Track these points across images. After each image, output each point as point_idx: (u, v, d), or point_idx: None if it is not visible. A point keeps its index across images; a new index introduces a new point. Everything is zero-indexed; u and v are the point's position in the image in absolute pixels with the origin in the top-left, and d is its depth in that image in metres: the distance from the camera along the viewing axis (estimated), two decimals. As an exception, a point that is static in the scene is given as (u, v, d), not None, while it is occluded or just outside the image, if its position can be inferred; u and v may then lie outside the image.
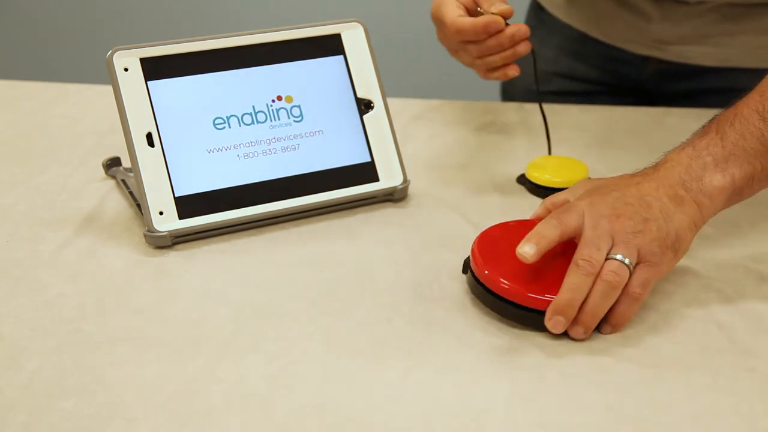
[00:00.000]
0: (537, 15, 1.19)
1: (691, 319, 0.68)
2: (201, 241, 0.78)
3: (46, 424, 0.57)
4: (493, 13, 0.85)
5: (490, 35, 0.86)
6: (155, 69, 0.78)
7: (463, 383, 0.61)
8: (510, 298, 0.66)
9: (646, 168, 0.72)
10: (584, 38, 1.14)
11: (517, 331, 0.66)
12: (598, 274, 0.65)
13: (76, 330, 0.66)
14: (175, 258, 0.76)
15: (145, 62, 0.77)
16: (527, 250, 0.65)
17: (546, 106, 1.07)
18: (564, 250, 0.67)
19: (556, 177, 0.86)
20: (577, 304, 0.64)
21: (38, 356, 0.63)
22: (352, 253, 0.77)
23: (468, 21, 0.86)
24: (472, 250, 0.70)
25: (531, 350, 0.64)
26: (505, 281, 0.66)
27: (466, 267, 0.71)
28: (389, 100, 0.85)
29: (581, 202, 0.68)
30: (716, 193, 0.69)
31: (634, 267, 0.66)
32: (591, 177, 0.86)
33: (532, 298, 0.65)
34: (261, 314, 0.68)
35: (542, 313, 0.65)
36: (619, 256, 0.65)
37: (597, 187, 0.71)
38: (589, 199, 0.69)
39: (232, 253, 0.77)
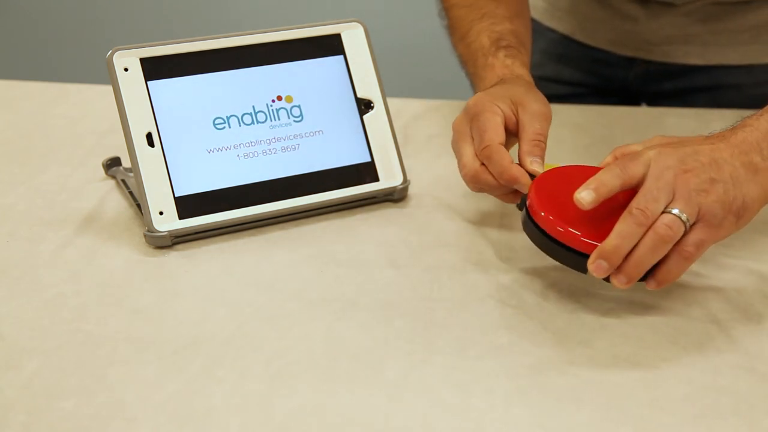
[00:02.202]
0: None
1: (691, 319, 0.68)
2: (201, 241, 0.78)
3: (46, 424, 0.57)
4: (527, 169, 0.73)
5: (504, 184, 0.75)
6: (155, 69, 0.78)
7: (463, 383, 0.61)
8: (560, 239, 0.65)
9: (722, 130, 0.70)
10: (568, 42, 1.14)
11: (517, 331, 0.66)
12: (651, 227, 0.63)
13: (76, 330, 0.66)
14: (175, 258, 0.76)
15: (145, 62, 0.77)
16: (584, 196, 0.63)
17: (557, 105, 1.08)
18: (628, 201, 0.65)
19: None
20: (624, 251, 0.63)
21: (38, 356, 0.63)
22: (352, 253, 0.77)
23: (499, 166, 0.73)
24: (531, 187, 0.69)
25: (531, 350, 0.64)
26: (558, 223, 0.65)
27: (523, 203, 0.70)
28: (389, 100, 0.85)
29: (649, 152, 0.66)
30: None
31: (691, 226, 0.64)
32: None
33: (581, 241, 0.64)
34: (261, 314, 0.68)
35: (586, 256, 0.64)
36: (676, 211, 0.63)
37: (671, 141, 0.68)
38: (659, 149, 0.66)
39: (232, 253, 0.77)
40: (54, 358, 0.63)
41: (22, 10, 2.59)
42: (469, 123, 0.77)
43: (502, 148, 0.74)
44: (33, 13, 2.59)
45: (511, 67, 0.85)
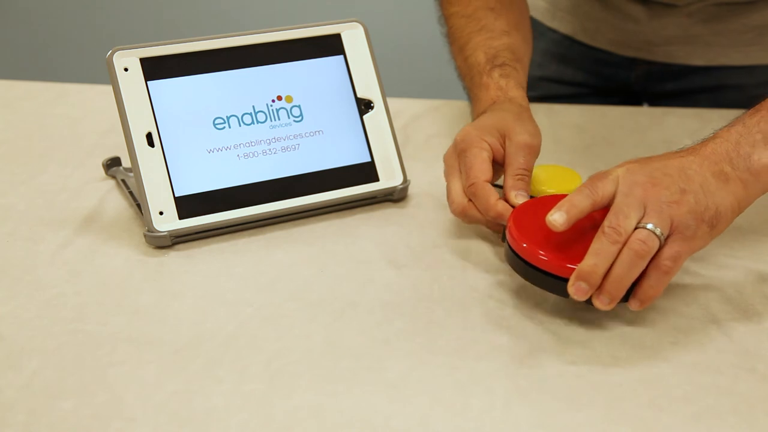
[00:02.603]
0: None
1: (691, 319, 0.68)
2: (201, 241, 0.78)
3: (46, 424, 0.57)
4: (511, 203, 0.74)
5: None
6: (155, 69, 0.78)
7: (463, 383, 0.61)
8: (541, 266, 0.65)
9: (693, 144, 0.70)
10: (570, 42, 1.14)
11: (517, 331, 0.66)
12: (625, 243, 0.62)
13: (76, 330, 0.66)
14: (175, 258, 0.76)
15: (145, 62, 0.77)
16: (556, 218, 0.63)
17: (545, 106, 1.08)
18: (600, 221, 0.65)
19: (549, 188, 0.80)
20: (602, 271, 0.62)
21: (38, 356, 0.63)
22: (352, 253, 0.77)
23: (485, 203, 0.74)
24: (509, 219, 0.70)
25: (531, 350, 0.64)
26: (537, 250, 0.65)
27: (505, 236, 0.70)
28: (389, 100, 0.85)
29: (617, 170, 0.66)
30: (762, 172, 0.67)
31: (666, 239, 0.63)
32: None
33: (562, 266, 0.64)
34: (261, 314, 0.68)
35: (567, 281, 0.64)
36: (649, 226, 0.62)
37: (639, 158, 0.68)
38: (627, 166, 0.66)
39: (232, 253, 0.77)
40: (54, 358, 0.63)
41: (22, 10, 2.59)
42: (458, 158, 0.78)
43: (488, 185, 0.74)
44: (33, 13, 2.59)
45: (505, 89, 0.85)
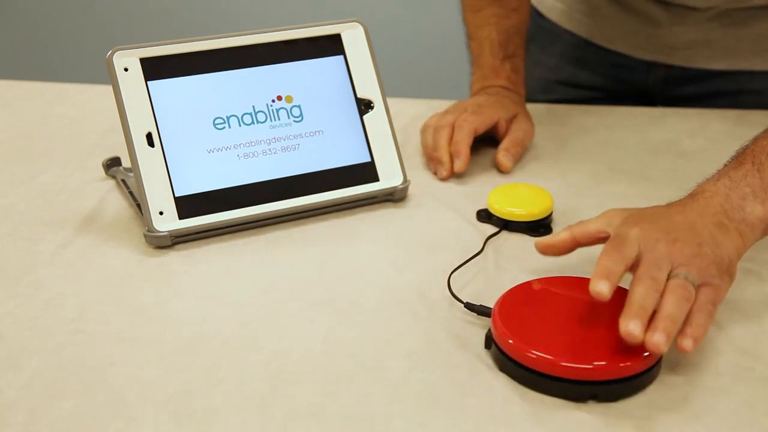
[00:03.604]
0: (536, 22, 1.18)
1: (691, 319, 0.68)
2: (201, 241, 0.78)
3: (46, 424, 0.57)
4: (498, 157, 0.92)
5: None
6: (155, 69, 0.78)
7: (463, 383, 0.61)
8: (542, 371, 0.60)
9: (680, 199, 0.70)
10: (587, 45, 1.14)
11: (517, 331, 0.66)
12: (664, 291, 0.60)
13: (76, 330, 0.66)
14: (175, 258, 0.76)
15: (145, 62, 0.77)
16: (602, 287, 0.60)
17: (547, 107, 1.08)
18: (587, 314, 0.63)
19: (519, 208, 0.80)
20: (649, 310, 0.59)
21: (38, 356, 0.63)
22: (352, 253, 0.77)
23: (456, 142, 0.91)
24: (493, 316, 0.64)
25: (531, 350, 0.64)
26: (537, 353, 0.59)
27: (489, 341, 0.64)
28: (389, 100, 0.85)
29: (632, 230, 0.64)
30: (757, 223, 0.68)
31: (697, 288, 0.62)
32: (557, 198, 0.83)
33: (569, 368, 0.59)
34: (261, 314, 0.68)
35: (576, 383, 0.59)
36: (682, 274, 0.61)
37: (641, 216, 0.67)
38: (639, 226, 0.65)
39: (232, 253, 0.77)
40: (54, 358, 0.63)
41: (22, 10, 2.59)
42: (468, 104, 0.95)
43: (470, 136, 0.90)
44: (33, 13, 2.59)
45: (514, 83, 1.01)
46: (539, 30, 1.17)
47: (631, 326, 0.58)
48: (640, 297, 0.60)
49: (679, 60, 1.08)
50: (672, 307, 0.59)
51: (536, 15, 1.18)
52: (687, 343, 0.59)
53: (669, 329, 0.58)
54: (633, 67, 1.11)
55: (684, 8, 1.03)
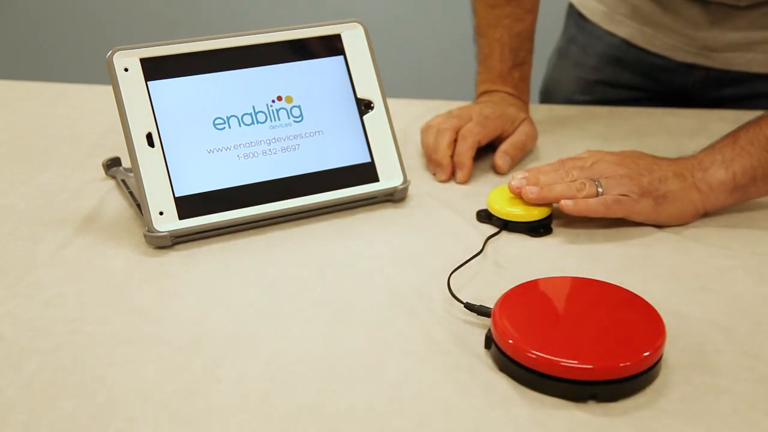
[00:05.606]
0: (577, 23, 1.19)
1: (691, 319, 0.68)
2: (201, 241, 0.78)
3: (46, 424, 0.57)
4: (495, 159, 0.94)
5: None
6: (155, 69, 0.78)
7: (463, 383, 0.61)
8: (548, 372, 0.59)
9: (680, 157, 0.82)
10: (627, 46, 1.14)
11: (517, 331, 0.66)
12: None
13: (76, 330, 0.66)
14: (175, 258, 0.76)
15: (145, 62, 0.77)
16: (532, 188, 0.79)
17: (558, 106, 1.08)
18: (587, 314, 0.64)
19: (518, 209, 0.80)
20: (545, 183, 0.79)
21: (38, 356, 0.63)
22: (352, 253, 0.77)
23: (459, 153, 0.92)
24: (493, 316, 0.64)
25: (531, 350, 0.64)
26: (537, 353, 0.59)
27: (489, 341, 0.64)
28: (389, 100, 0.85)
29: (596, 155, 0.81)
30: (716, 185, 0.79)
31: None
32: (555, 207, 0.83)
33: (558, 365, 0.59)
34: (261, 314, 0.68)
35: (576, 383, 0.59)
36: (596, 181, 0.78)
37: (621, 152, 0.82)
38: (607, 154, 0.81)
39: (232, 253, 0.77)
40: (54, 358, 0.63)
41: (22, 10, 2.59)
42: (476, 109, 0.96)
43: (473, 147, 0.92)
44: (33, 13, 2.59)
45: (521, 90, 1.02)
46: (580, 31, 1.18)
47: (517, 179, 0.81)
48: (545, 175, 0.80)
49: (718, 62, 1.08)
50: (559, 186, 0.78)
51: (577, 17, 1.19)
52: (532, 190, 0.79)
53: (542, 189, 0.79)
54: (672, 68, 1.12)
55: (724, 6, 1.03)
